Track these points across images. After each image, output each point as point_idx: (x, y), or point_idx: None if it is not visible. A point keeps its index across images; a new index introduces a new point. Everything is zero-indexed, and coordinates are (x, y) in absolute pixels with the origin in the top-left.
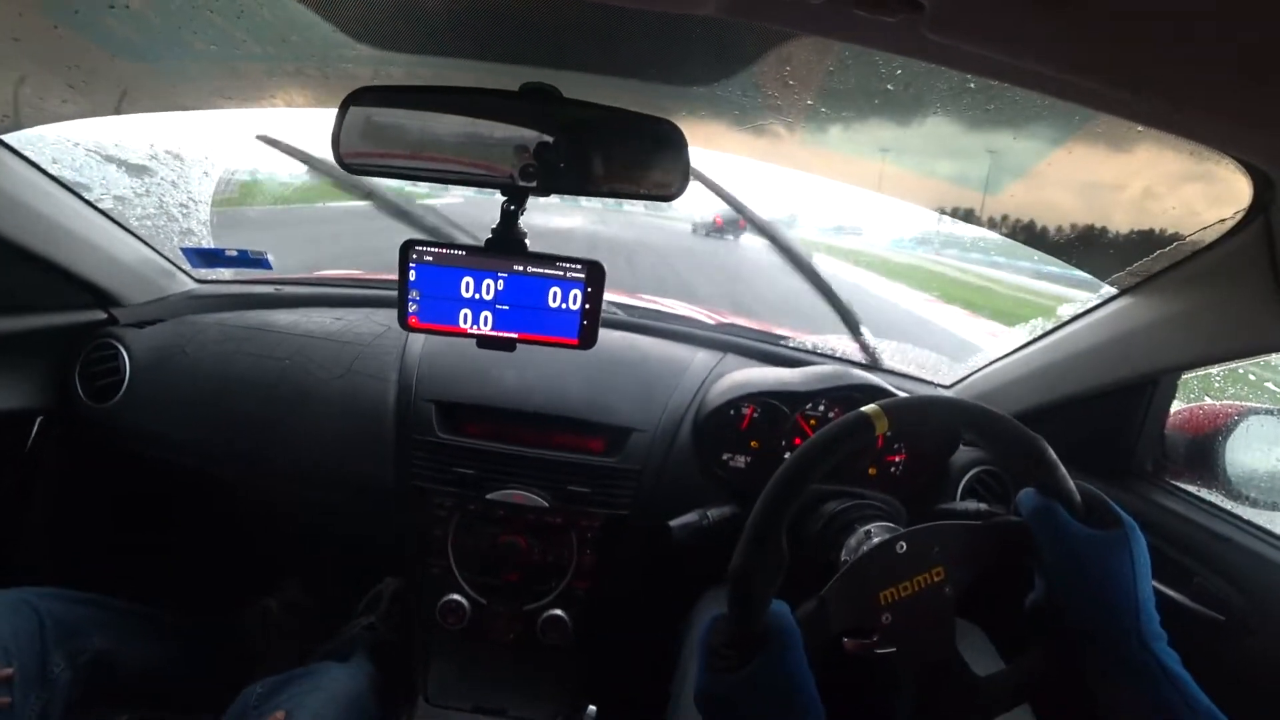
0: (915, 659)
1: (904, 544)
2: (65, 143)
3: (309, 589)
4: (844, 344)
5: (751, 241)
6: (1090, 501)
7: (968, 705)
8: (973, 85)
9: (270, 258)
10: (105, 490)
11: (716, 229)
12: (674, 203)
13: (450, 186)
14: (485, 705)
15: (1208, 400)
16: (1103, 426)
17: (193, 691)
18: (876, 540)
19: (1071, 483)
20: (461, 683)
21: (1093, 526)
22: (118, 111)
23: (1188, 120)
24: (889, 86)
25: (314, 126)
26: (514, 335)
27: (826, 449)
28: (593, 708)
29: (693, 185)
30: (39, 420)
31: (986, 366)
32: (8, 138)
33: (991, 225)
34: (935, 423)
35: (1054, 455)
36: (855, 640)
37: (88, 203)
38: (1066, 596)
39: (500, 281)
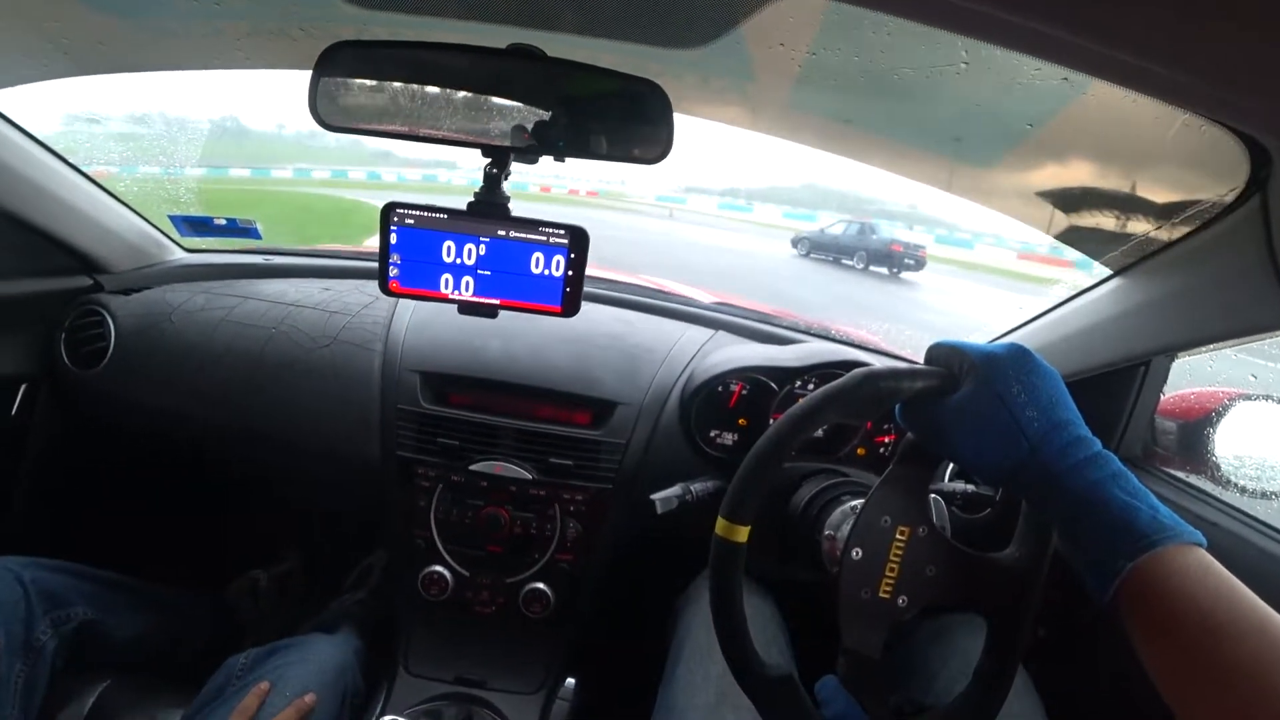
0: (943, 601)
1: (859, 550)
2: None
3: (298, 561)
4: (838, 324)
5: (934, 280)
6: (947, 367)
7: (1003, 586)
8: (965, 56)
9: (259, 227)
10: (92, 459)
11: (894, 256)
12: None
13: None
14: (466, 676)
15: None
16: (1093, 410)
17: (179, 661)
18: (843, 559)
19: (906, 376)
20: (443, 654)
21: (964, 387)
22: (95, 71)
23: (1185, 85)
24: (881, 52)
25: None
26: (496, 301)
27: (724, 601)
28: (571, 680)
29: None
30: (24, 387)
31: None
32: None
33: (985, 201)
34: (767, 480)
35: (875, 369)
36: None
37: (74, 167)
38: (974, 471)
39: (482, 246)
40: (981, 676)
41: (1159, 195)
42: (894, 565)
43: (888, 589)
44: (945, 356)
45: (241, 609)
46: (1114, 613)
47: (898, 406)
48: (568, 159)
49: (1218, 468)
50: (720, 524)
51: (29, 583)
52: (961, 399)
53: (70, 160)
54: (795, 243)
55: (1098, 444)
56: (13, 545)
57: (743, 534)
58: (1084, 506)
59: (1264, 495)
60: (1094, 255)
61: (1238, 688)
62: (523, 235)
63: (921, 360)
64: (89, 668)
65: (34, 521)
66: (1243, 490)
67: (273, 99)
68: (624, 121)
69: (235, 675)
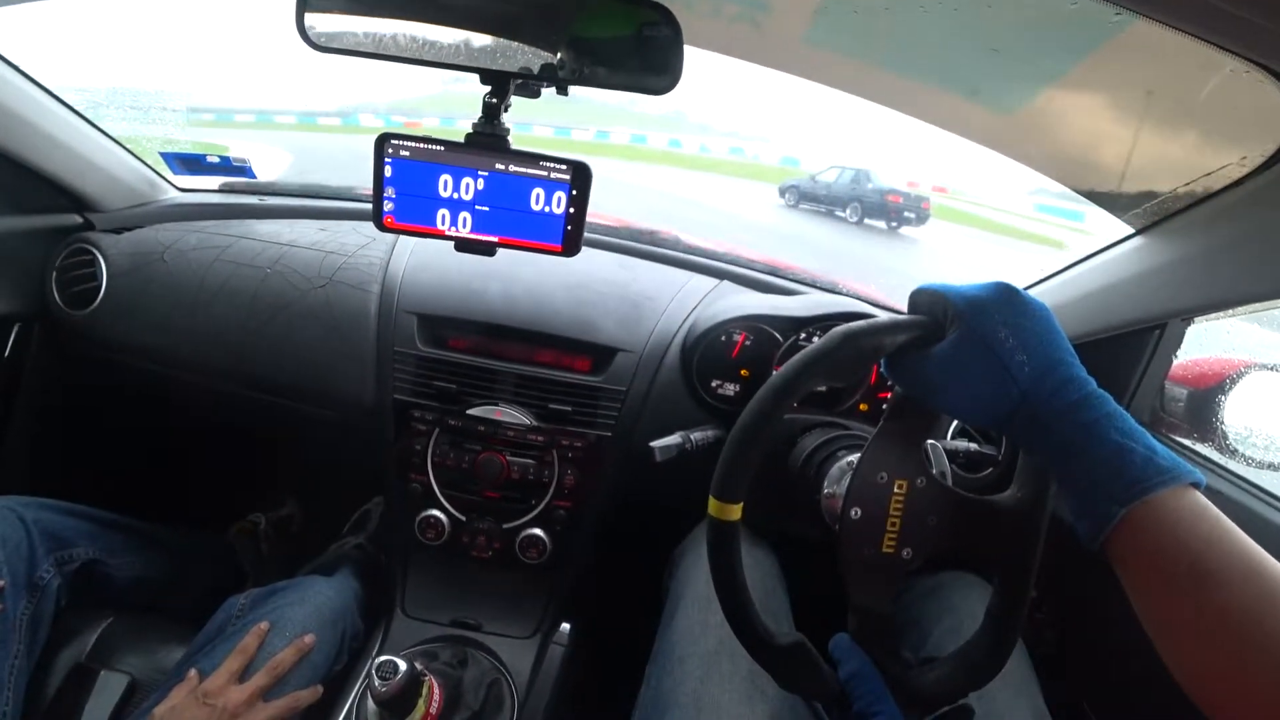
0: (947, 548)
1: (857, 510)
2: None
3: (297, 506)
4: (849, 280)
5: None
6: (931, 315)
7: (1006, 526)
8: None
9: (253, 165)
10: (88, 402)
11: (891, 208)
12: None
13: None
14: (462, 619)
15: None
16: (1103, 373)
17: (180, 600)
18: (843, 519)
19: (886, 331)
20: (439, 597)
21: (950, 334)
22: None
23: (1246, 26)
24: None
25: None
26: (494, 238)
27: (725, 578)
28: (566, 625)
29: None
30: (16, 327)
31: None
32: None
33: (1005, 150)
34: (755, 456)
35: (854, 326)
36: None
37: (63, 103)
38: (966, 420)
39: (480, 180)
40: (993, 617)
41: (1191, 150)
42: (895, 520)
43: (891, 544)
44: (928, 303)
45: (241, 552)
46: (1103, 560)
47: (884, 366)
48: (571, 87)
49: (1226, 436)
50: (712, 504)
51: (31, 522)
52: (946, 349)
53: (60, 96)
54: (783, 191)
55: (1092, 383)
56: (10, 486)
57: (736, 512)
58: (1076, 450)
59: (1274, 467)
60: (1116, 212)
61: (1228, 634)
62: (523, 169)
63: None
64: (92, 606)
65: (30, 463)
66: (1249, 460)
67: None
68: (632, 48)
69: (235, 615)
